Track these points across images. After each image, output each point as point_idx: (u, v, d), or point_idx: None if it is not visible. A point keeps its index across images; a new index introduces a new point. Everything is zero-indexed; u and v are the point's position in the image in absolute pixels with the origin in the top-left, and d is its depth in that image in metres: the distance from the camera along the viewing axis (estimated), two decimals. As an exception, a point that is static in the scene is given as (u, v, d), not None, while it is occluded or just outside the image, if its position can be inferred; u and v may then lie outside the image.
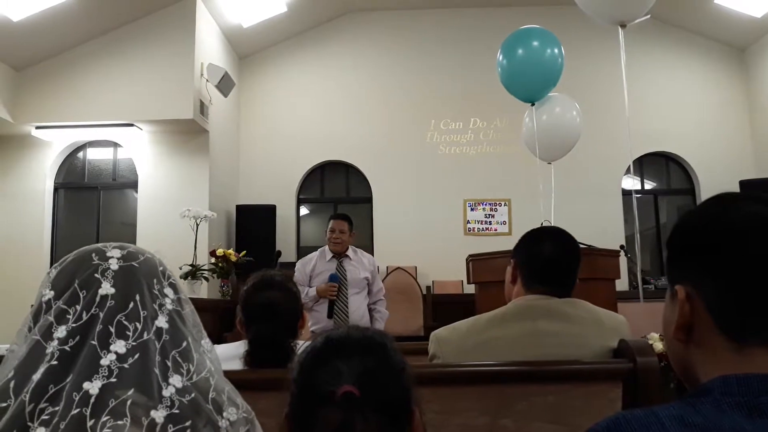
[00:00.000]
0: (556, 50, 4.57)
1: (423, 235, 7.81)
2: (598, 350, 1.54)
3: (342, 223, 4.23)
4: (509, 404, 1.38)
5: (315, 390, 0.80)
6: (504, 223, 7.86)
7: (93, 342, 0.80)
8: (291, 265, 7.01)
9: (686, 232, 0.77)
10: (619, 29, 4.07)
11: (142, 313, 0.84)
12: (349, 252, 4.24)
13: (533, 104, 4.68)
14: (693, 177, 8.12)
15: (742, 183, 7.20)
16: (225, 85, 6.79)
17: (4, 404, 0.77)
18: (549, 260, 1.64)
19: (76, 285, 0.85)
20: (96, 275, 0.86)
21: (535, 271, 1.65)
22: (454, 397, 1.39)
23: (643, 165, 8.18)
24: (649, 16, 4.02)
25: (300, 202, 8.27)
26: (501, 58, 4.72)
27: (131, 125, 6.71)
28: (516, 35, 4.72)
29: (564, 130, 4.76)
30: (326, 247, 4.25)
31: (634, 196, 4.40)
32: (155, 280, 0.89)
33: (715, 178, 7.71)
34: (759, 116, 7.95)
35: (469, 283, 4.01)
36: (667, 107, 8.06)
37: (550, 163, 4.82)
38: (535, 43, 4.58)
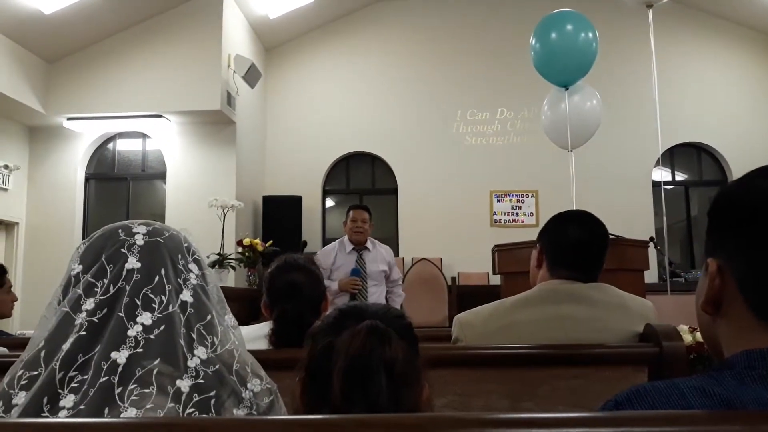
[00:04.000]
0: (590, 34, 4.52)
1: (448, 227, 7.78)
2: (624, 335, 1.52)
3: (363, 213, 4.24)
4: (532, 387, 1.38)
5: (337, 333, 0.82)
6: (531, 214, 7.79)
7: (120, 314, 0.83)
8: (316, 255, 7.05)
9: (724, 205, 0.75)
10: (649, 11, 4.00)
11: (167, 286, 0.87)
12: (368, 244, 4.24)
13: (567, 89, 4.63)
14: (726, 168, 7.95)
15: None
16: (252, 76, 6.83)
17: (35, 372, 0.80)
18: (575, 244, 1.60)
19: (103, 259, 0.88)
20: (122, 250, 0.88)
21: (560, 255, 1.62)
22: (476, 379, 1.39)
23: (675, 156, 8.03)
24: None
25: (326, 193, 8.31)
26: (534, 42, 4.67)
27: (160, 116, 6.81)
28: (549, 19, 4.67)
29: (583, 117, 4.70)
30: (345, 239, 4.24)
31: (663, 187, 4.33)
32: (180, 256, 0.91)
33: (748, 169, 7.48)
34: (795, 106, 7.75)
35: (494, 273, 3.98)
36: (699, 97, 7.89)
37: (571, 151, 4.78)
38: (569, 27, 4.53)
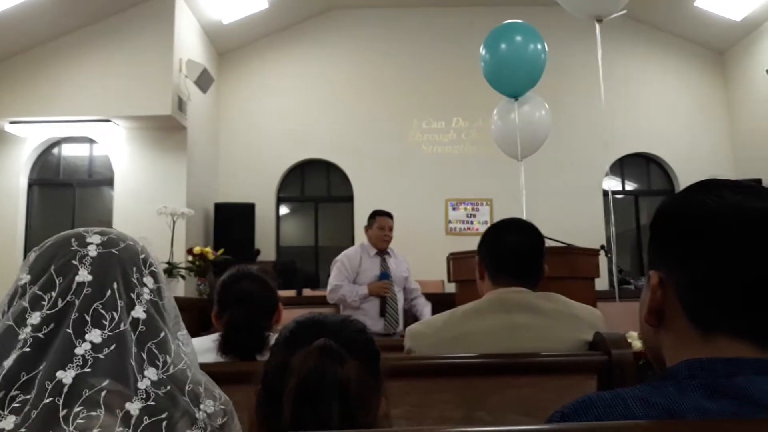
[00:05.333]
0: (539, 45, 4.61)
1: (404, 235, 7.75)
2: (574, 343, 1.55)
3: (390, 221, 4.30)
4: (484, 397, 1.39)
5: (293, 349, 0.80)
6: (485, 222, 7.89)
7: (68, 330, 0.79)
8: (269, 265, 6.97)
9: (665, 218, 0.77)
10: (596, 25, 4.10)
11: (119, 302, 0.83)
12: (389, 250, 4.28)
13: (516, 99, 4.71)
14: (673, 178, 8.23)
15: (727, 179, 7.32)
16: (204, 81, 6.73)
17: None
18: (512, 252, 1.64)
19: (52, 270, 0.84)
20: (74, 261, 0.85)
21: (499, 265, 1.65)
22: (430, 390, 1.40)
23: (624, 166, 8.26)
24: (625, 11, 4.06)
25: (280, 200, 8.23)
26: (484, 52, 4.73)
27: (108, 121, 6.63)
28: (499, 30, 4.74)
29: (533, 128, 4.80)
30: (366, 243, 4.28)
31: (611, 196, 4.47)
32: (135, 269, 0.88)
33: (694, 179, 7.62)
34: (737, 118, 8.09)
35: (449, 281, 4.03)
36: (648, 109, 8.15)
37: (520, 161, 4.89)
38: (519, 38, 4.61)
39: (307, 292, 5.91)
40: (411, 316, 4.34)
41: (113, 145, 7.01)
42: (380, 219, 4.25)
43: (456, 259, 3.81)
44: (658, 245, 0.77)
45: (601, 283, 4.95)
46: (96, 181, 7.35)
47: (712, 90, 8.31)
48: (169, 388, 0.81)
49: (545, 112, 4.89)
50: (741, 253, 0.68)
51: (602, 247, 5.06)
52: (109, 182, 7.12)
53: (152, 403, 0.78)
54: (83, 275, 0.84)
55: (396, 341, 2.16)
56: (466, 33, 7.98)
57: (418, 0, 8.16)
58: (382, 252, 4.23)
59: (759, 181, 7.29)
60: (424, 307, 4.34)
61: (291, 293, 5.62)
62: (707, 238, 0.70)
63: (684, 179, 7.99)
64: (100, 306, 0.82)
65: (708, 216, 0.71)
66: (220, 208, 7.47)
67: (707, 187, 0.75)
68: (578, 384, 1.45)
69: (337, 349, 0.78)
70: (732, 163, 8.11)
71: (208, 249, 5.39)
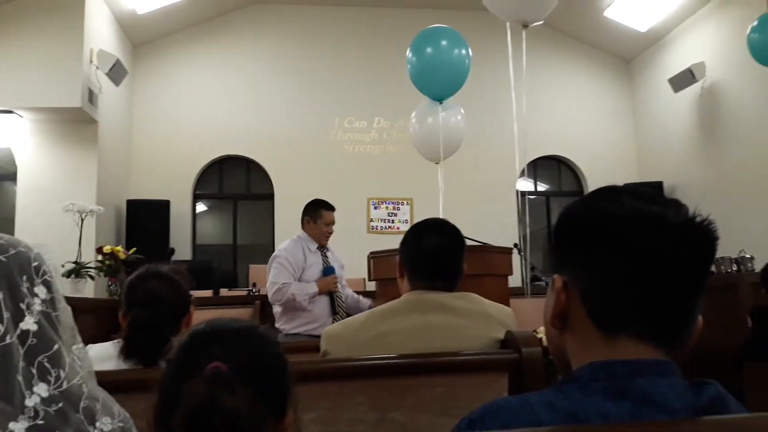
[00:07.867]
0: (464, 51, 4.70)
1: (325, 233, 7.76)
2: (487, 342, 1.58)
3: (334, 216, 4.08)
4: (399, 397, 1.40)
5: (184, 369, 0.77)
6: (406, 221, 7.98)
7: None
8: (185, 264, 6.75)
9: (567, 223, 0.78)
10: (508, 30, 4.22)
11: (5, 313, 0.77)
12: (327, 245, 4.09)
13: (441, 102, 4.78)
14: (582, 180, 8.60)
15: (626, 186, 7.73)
16: (117, 73, 6.44)
17: None
18: (430, 253, 1.64)
19: None
20: None
21: (417, 265, 1.66)
22: (344, 392, 1.39)
23: (537, 168, 8.56)
24: (542, 21, 4.19)
25: (196, 197, 8.00)
26: (410, 55, 4.79)
27: (10, 112, 6.23)
28: (426, 34, 4.80)
29: (449, 132, 4.89)
30: (304, 236, 4.00)
31: (526, 197, 4.63)
32: (25, 277, 0.81)
33: (602, 181, 7.89)
34: (641, 124, 8.56)
35: (370, 280, 4.04)
36: (560, 113, 8.47)
37: (438, 164, 4.99)
38: (444, 43, 4.69)
39: (224, 291, 5.76)
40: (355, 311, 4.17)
41: (16, 138, 6.58)
42: (326, 214, 4.01)
43: (376, 258, 3.83)
44: (562, 250, 0.79)
45: (515, 280, 5.12)
46: (-4, 175, 6.89)
47: (620, 97, 8.75)
48: (61, 405, 0.76)
49: (461, 117, 5.02)
50: (641, 257, 0.70)
51: (515, 245, 5.22)
52: (12, 177, 6.69)
53: (41, 422, 0.73)
54: None
55: (314, 342, 2.14)
56: (388, 34, 8.03)
57: (341, -2, 8.14)
58: (323, 247, 4.05)
59: (660, 183, 7.74)
60: (364, 305, 4.11)
61: (208, 293, 5.47)
62: (609, 243, 0.72)
63: (592, 181, 8.38)
64: None
65: (610, 221, 0.72)
66: (132, 204, 7.18)
67: (608, 194, 0.77)
68: (490, 382, 1.48)
69: (229, 377, 0.74)
70: (636, 167, 8.57)
71: (119, 248, 5.15)
